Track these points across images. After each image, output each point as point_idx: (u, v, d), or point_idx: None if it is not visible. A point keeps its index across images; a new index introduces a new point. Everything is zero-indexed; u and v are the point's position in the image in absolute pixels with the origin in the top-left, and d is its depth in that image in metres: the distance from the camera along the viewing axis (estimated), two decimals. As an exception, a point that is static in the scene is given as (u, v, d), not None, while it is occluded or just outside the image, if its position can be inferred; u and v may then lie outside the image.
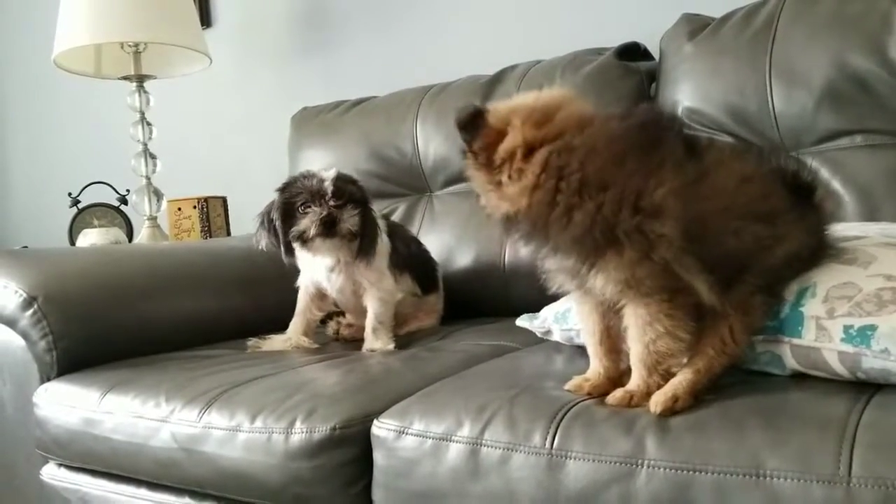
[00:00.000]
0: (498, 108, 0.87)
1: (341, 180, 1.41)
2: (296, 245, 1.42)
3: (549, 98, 0.87)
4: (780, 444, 0.71)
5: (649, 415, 0.81)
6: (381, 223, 1.54)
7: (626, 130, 0.82)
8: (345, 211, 1.39)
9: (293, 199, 1.40)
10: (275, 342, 1.50)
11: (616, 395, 0.86)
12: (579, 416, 0.86)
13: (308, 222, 1.38)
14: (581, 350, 1.17)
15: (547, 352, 1.20)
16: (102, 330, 1.46)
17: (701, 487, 0.73)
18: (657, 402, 0.81)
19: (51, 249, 1.80)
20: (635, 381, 0.86)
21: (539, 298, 1.27)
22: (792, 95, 1.44)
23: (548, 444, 0.84)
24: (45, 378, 1.39)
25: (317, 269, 1.50)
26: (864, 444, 0.68)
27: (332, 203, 1.38)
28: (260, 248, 1.48)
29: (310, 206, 1.39)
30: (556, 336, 1.19)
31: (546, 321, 1.20)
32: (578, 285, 0.88)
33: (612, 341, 0.93)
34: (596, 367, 0.94)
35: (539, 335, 1.24)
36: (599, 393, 0.90)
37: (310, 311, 1.54)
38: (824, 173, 1.41)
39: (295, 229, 1.39)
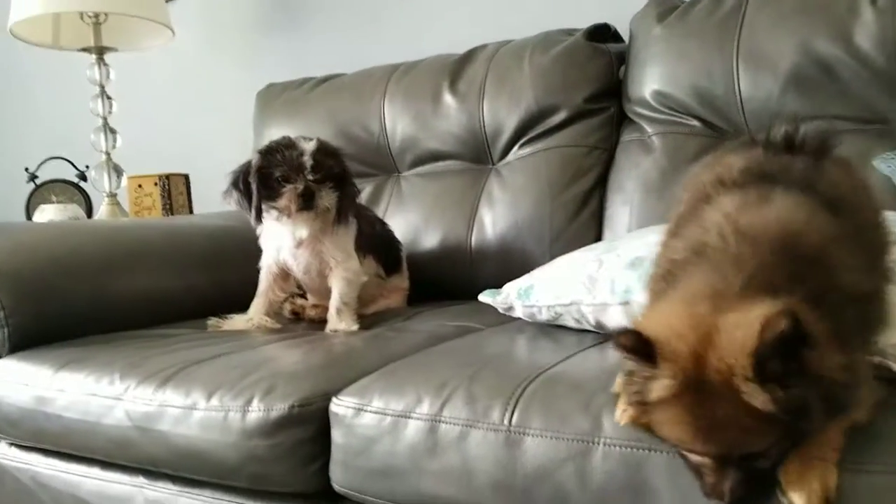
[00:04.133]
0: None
1: (321, 153, 1.38)
2: (269, 215, 1.40)
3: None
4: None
5: (606, 393, 0.81)
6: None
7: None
8: (323, 187, 1.37)
9: (270, 168, 1.37)
10: (236, 322, 1.47)
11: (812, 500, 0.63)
12: (538, 392, 0.85)
13: (286, 201, 1.35)
14: (543, 328, 1.17)
15: (510, 332, 1.19)
16: (57, 307, 1.42)
17: (654, 466, 0.73)
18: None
19: (5, 224, 1.74)
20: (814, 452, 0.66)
21: (505, 279, 1.27)
22: (758, 80, 1.45)
23: (506, 421, 0.83)
24: (-3, 355, 1.35)
25: (283, 246, 1.47)
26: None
27: (310, 177, 1.36)
28: (228, 205, 1.45)
29: (288, 180, 1.36)
30: (519, 312, 1.18)
31: (509, 297, 1.20)
32: None
33: None
34: None
35: (501, 311, 1.23)
36: None
37: (272, 292, 1.51)
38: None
39: (272, 205, 1.37)
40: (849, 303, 0.66)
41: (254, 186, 1.38)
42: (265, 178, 1.37)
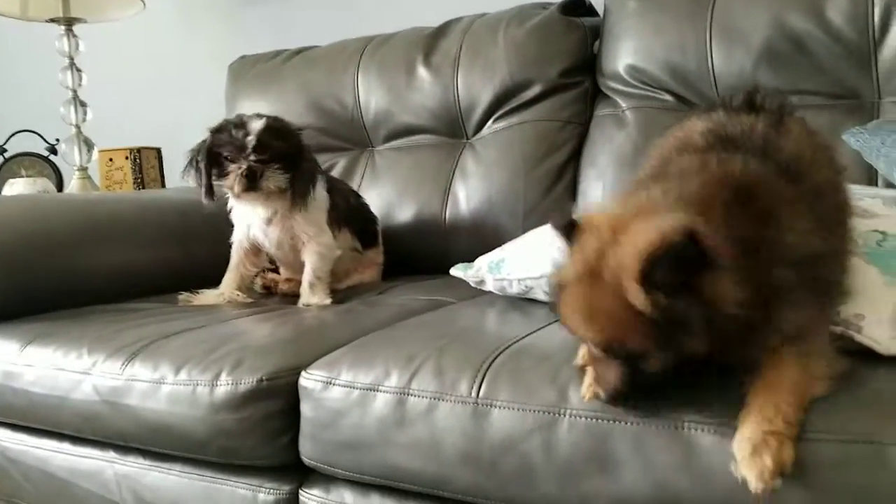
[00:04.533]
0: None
1: (268, 133, 1.36)
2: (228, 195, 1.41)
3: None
4: (698, 396, 0.71)
5: (573, 367, 0.81)
6: (320, 177, 1.51)
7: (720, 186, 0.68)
8: (268, 168, 1.35)
9: (219, 148, 1.37)
10: (207, 297, 1.46)
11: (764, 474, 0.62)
12: (505, 364, 0.85)
13: (231, 180, 1.35)
14: (514, 302, 1.17)
15: (481, 305, 1.19)
16: (25, 281, 1.40)
17: (619, 437, 0.74)
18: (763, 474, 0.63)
19: (-29, 198, 1.72)
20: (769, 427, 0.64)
21: (479, 253, 1.27)
22: (731, 55, 1.45)
23: (474, 393, 0.83)
24: (-37, 330, 1.33)
25: (253, 222, 1.46)
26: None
27: (252, 158, 1.34)
28: (187, 182, 1.46)
29: (234, 161, 1.35)
30: (490, 286, 1.18)
31: (480, 270, 1.20)
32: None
33: None
34: None
35: (472, 284, 1.23)
36: None
37: (244, 267, 1.50)
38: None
39: (222, 183, 1.37)
40: (787, 260, 0.66)
41: (201, 165, 1.39)
42: (216, 156, 1.37)
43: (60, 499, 1.22)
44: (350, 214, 1.59)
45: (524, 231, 1.52)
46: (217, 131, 1.39)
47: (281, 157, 1.37)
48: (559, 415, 0.77)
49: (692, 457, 0.70)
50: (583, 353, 0.82)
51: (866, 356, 0.74)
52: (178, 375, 1.04)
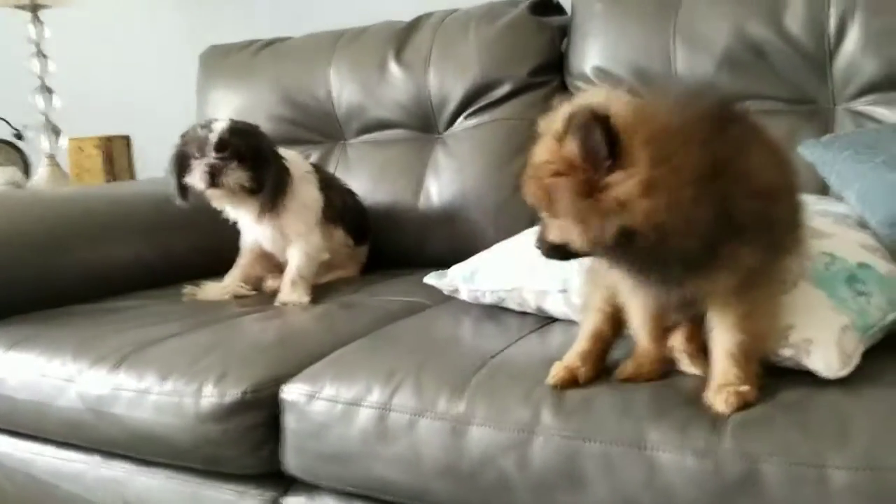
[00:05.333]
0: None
1: (230, 132, 1.38)
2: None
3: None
4: (661, 418, 0.78)
5: (545, 386, 0.86)
6: (312, 177, 1.54)
7: (701, 111, 0.71)
8: (228, 165, 1.37)
9: (185, 148, 1.40)
10: (212, 290, 1.49)
11: (729, 400, 0.76)
12: (483, 383, 0.90)
13: (195, 177, 1.38)
14: (487, 310, 1.22)
15: (455, 312, 1.23)
16: (1, 282, 1.41)
17: (589, 456, 0.79)
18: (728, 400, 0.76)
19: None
20: (733, 375, 0.77)
21: (453, 247, 1.32)
22: (694, 60, 1.49)
23: (452, 411, 0.88)
24: (-60, 335, 1.34)
25: (248, 222, 1.50)
26: (735, 421, 0.75)
27: (213, 155, 1.37)
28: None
29: (197, 158, 1.38)
30: (464, 295, 1.23)
31: (454, 280, 1.23)
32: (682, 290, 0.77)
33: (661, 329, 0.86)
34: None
35: (447, 293, 1.27)
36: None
37: (251, 267, 1.54)
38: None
39: (190, 182, 1.39)
40: (750, 190, 0.69)
41: (172, 166, 1.42)
42: (185, 156, 1.41)
43: (45, 501, 1.26)
44: (345, 212, 1.63)
45: (496, 227, 1.57)
46: (186, 133, 1.42)
47: (243, 156, 1.39)
48: (533, 433, 0.83)
49: (655, 475, 0.76)
50: (555, 371, 0.88)
51: (815, 378, 0.81)
52: (164, 386, 1.08)
